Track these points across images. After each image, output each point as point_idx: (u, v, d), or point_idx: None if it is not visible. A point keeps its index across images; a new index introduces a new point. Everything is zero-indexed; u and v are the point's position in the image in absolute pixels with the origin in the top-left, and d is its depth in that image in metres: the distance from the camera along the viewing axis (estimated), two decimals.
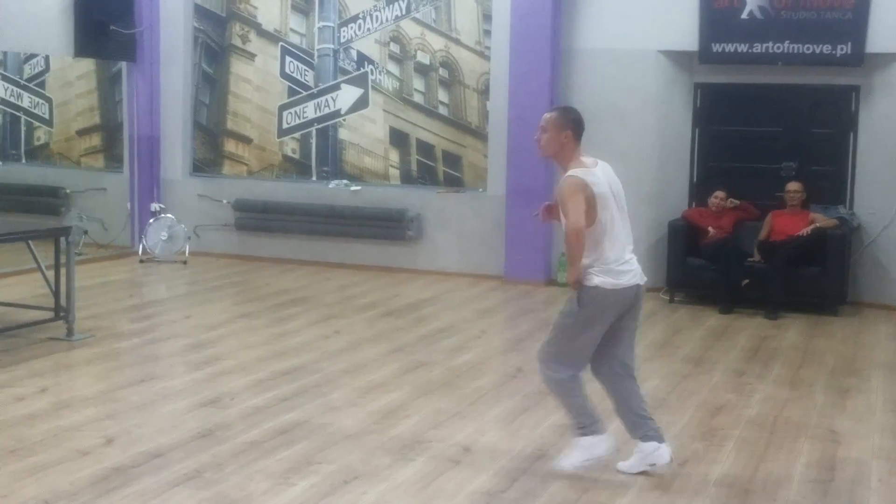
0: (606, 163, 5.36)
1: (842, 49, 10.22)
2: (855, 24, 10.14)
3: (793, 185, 10.30)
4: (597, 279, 5.13)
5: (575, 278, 5.16)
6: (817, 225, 10.01)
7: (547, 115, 5.36)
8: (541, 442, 5.89)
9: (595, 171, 5.19)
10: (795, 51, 10.36)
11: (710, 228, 10.34)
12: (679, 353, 8.31)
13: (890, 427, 6.39)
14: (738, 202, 10.56)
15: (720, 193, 10.50)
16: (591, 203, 5.09)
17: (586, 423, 5.29)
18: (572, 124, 5.27)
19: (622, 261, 5.19)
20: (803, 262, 9.94)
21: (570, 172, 5.18)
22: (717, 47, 10.60)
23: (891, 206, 10.35)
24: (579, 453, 5.33)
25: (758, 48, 10.47)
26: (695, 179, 11.11)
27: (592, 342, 5.24)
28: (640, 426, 5.34)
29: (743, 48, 10.52)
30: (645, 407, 5.41)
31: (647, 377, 7.45)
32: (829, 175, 10.66)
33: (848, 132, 10.58)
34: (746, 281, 10.07)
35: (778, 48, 10.41)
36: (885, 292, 10.43)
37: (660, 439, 5.34)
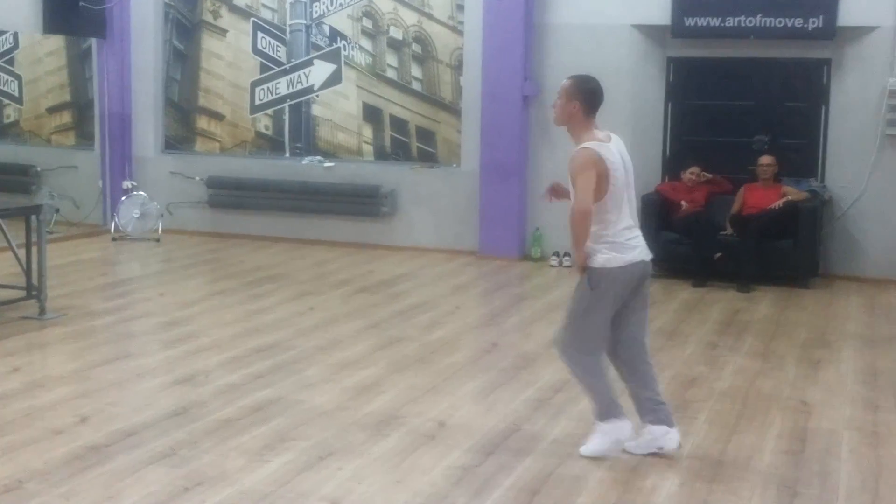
0: (619, 137, 5.25)
1: (813, 22, 10.26)
2: None
3: (765, 159, 10.34)
4: (603, 257, 5.06)
5: (581, 263, 5.11)
6: (789, 198, 10.07)
7: (563, 83, 5.19)
8: (515, 416, 5.92)
9: (609, 146, 5.08)
10: (767, 24, 10.40)
11: (682, 202, 10.38)
12: (652, 326, 8.27)
13: (860, 398, 6.46)
14: (710, 176, 10.60)
15: (695, 169, 10.53)
16: (603, 177, 4.99)
17: (608, 408, 5.22)
18: (582, 95, 5.11)
19: (629, 236, 5.13)
20: (775, 236, 10.00)
21: (584, 144, 5.06)
22: (689, 21, 10.61)
23: (861, 179, 10.43)
24: (600, 439, 5.25)
25: (730, 22, 10.49)
26: (667, 153, 11.15)
27: (606, 322, 5.16)
28: (654, 410, 5.27)
29: (715, 22, 10.54)
30: (659, 390, 5.36)
31: None
32: (801, 148, 10.72)
33: (819, 105, 10.63)
34: (719, 254, 10.12)
35: (750, 22, 10.44)
36: (856, 265, 10.53)
37: (670, 423, 5.27)
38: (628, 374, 5.34)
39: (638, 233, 5.22)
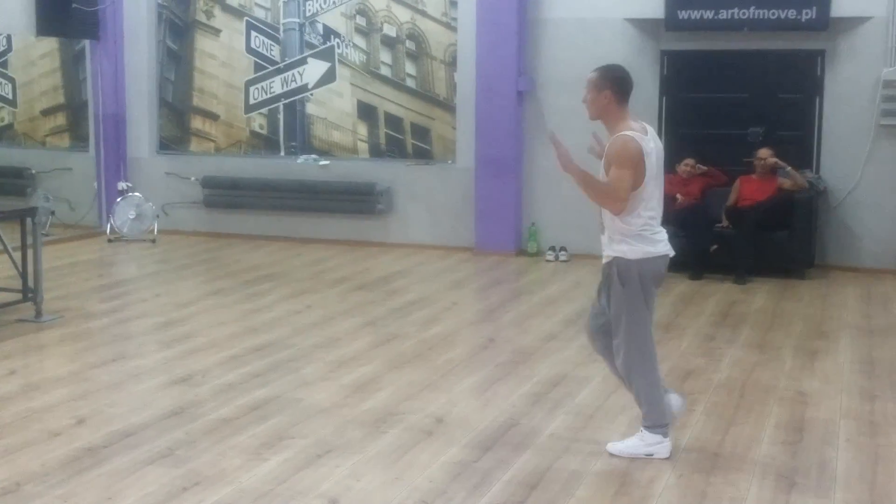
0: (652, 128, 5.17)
1: (807, 14, 10.26)
2: None
3: (764, 152, 10.33)
4: (625, 247, 5.00)
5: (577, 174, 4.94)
6: (789, 171, 10.03)
7: (588, 76, 5.11)
8: (513, 411, 5.92)
9: (646, 137, 5.00)
10: (761, 16, 10.40)
11: (678, 195, 10.37)
12: None
13: (857, 387, 6.47)
14: (705, 168, 10.60)
15: (690, 161, 10.53)
16: (640, 169, 4.92)
17: (657, 421, 5.14)
18: (611, 83, 5.03)
19: (657, 229, 5.07)
20: (771, 227, 10.00)
21: (625, 132, 4.94)
22: (683, 14, 10.61)
23: (856, 170, 10.44)
24: (635, 443, 5.16)
25: (723, 14, 10.49)
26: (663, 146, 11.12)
27: (646, 317, 5.09)
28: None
29: (709, 15, 10.53)
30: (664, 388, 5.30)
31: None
32: (796, 140, 10.71)
33: (814, 97, 10.63)
34: (715, 246, 10.13)
35: (743, 14, 10.44)
36: (852, 255, 10.54)
37: (665, 433, 5.17)
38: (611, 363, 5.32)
39: (662, 227, 5.15)
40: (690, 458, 5.20)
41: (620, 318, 5.09)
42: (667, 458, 5.13)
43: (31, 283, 8.23)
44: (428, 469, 5.02)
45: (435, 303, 8.96)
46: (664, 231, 5.15)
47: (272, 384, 6.43)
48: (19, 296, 8.25)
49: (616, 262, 5.06)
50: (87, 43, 12.69)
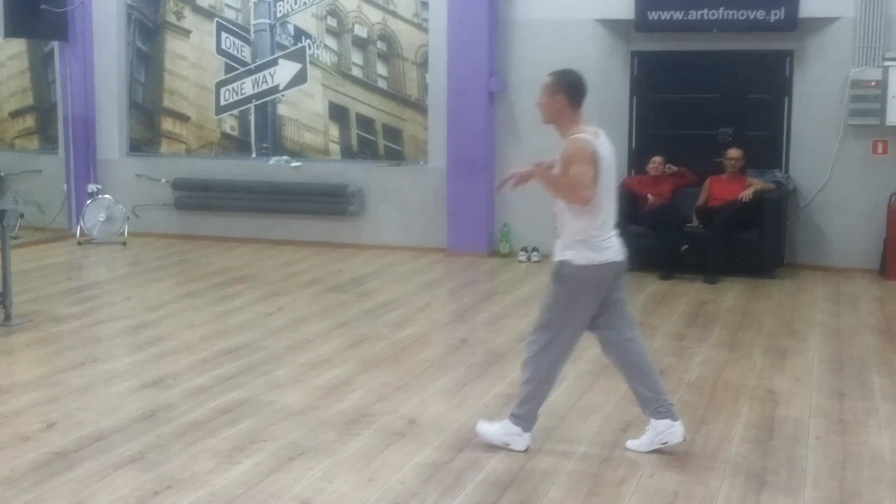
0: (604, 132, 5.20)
1: (775, 14, 10.33)
2: None
3: (734, 152, 10.40)
4: (572, 253, 5.04)
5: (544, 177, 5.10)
6: (756, 188, 10.13)
7: (544, 80, 5.17)
8: (485, 412, 5.91)
9: (599, 141, 5.05)
10: (730, 17, 10.47)
11: (649, 196, 10.43)
12: None
13: (827, 386, 6.52)
14: (675, 168, 10.65)
15: (658, 158, 10.58)
16: (597, 168, 4.96)
17: (525, 417, 5.22)
18: (565, 88, 5.09)
19: (605, 237, 5.08)
20: (741, 227, 10.06)
21: (578, 135, 4.99)
22: (652, 15, 10.67)
23: (825, 169, 10.52)
24: (497, 430, 5.28)
25: (693, 15, 10.55)
26: (633, 147, 11.20)
27: (579, 324, 5.15)
28: (652, 401, 5.26)
29: (678, 15, 10.59)
30: (658, 385, 5.31)
31: (589, 344, 7.49)
32: (765, 140, 10.79)
33: (783, 97, 10.72)
34: (686, 246, 10.18)
35: (713, 14, 10.50)
36: (821, 254, 10.63)
37: (673, 417, 5.24)
38: (623, 373, 5.34)
39: (614, 233, 5.17)
40: (662, 456, 5.23)
41: (547, 314, 5.19)
42: (523, 452, 5.22)
43: None
44: (401, 470, 5.02)
45: (407, 304, 8.95)
46: (615, 238, 5.16)
47: (244, 387, 6.40)
48: None
49: (562, 264, 5.12)
50: (55, 44, 12.60)
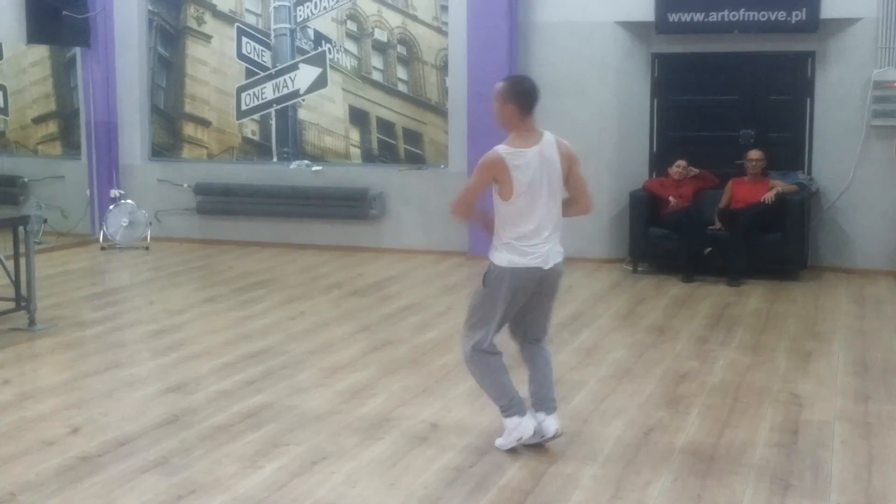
0: (561, 139, 5.24)
1: (797, 15, 10.29)
2: None
3: (754, 154, 10.36)
4: (499, 255, 5.18)
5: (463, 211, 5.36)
6: (778, 190, 10.08)
7: (496, 85, 5.26)
8: None
9: (526, 152, 5.08)
10: (751, 18, 10.43)
11: (671, 198, 10.40)
12: (643, 322, 8.37)
13: (851, 389, 6.48)
14: (697, 171, 10.62)
15: (682, 162, 10.56)
16: (504, 182, 5.07)
17: (507, 404, 5.33)
18: (515, 98, 5.15)
19: (531, 243, 5.15)
20: (764, 229, 10.02)
21: (498, 146, 5.14)
22: (673, 17, 10.64)
23: (848, 171, 10.46)
24: (506, 436, 5.33)
25: (714, 17, 10.52)
26: (654, 149, 11.16)
27: (494, 319, 5.26)
28: (537, 400, 5.42)
29: (699, 17, 10.56)
30: (548, 383, 5.45)
31: (611, 347, 7.52)
32: (787, 141, 10.74)
33: (804, 98, 10.66)
34: (708, 249, 10.14)
35: (734, 16, 10.47)
36: (845, 256, 10.56)
37: (522, 413, 5.31)
38: (528, 370, 5.52)
39: (547, 241, 5.17)
40: (686, 460, 5.21)
41: (472, 312, 5.38)
42: (532, 438, 5.27)
43: (24, 292, 8.21)
44: (423, 475, 5.02)
45: (429, 308, 8.95)
46: (546, 246, 5.18)
47: (266, 391, 6.42)
48: (12, 304, 8.23)
49: (489, 264, 5.26)
50: (77, 50, 12.68)
